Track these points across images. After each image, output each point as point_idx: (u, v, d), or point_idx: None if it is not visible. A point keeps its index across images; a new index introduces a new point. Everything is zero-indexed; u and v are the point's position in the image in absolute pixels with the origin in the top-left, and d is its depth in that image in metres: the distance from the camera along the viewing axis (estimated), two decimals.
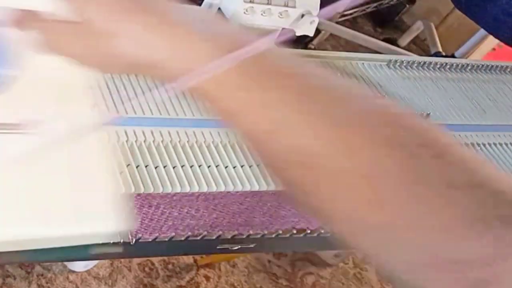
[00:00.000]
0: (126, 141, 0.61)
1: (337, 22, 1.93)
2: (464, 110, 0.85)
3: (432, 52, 1.99)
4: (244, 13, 0.71)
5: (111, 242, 0.55)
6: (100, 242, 0.50)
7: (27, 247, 0.44)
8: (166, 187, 0.59)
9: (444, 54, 1.98)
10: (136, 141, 0.61)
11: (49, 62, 0.43)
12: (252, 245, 0.71)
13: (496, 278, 0.32)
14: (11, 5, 0.42)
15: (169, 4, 0.41)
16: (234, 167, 0.64)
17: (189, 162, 0.62)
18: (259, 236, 0.70)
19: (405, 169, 0.35)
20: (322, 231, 0.72)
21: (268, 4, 0.72)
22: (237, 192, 0.63)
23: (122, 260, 1.38)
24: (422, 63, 0.89)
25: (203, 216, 0.65)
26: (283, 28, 0.74)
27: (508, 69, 0.95)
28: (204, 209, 0.64)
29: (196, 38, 0.38)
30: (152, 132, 0.62)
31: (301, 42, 1.80)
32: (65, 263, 1.33)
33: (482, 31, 1.86)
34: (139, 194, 0.58)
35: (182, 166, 0.61)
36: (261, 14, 0.72)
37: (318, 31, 1.89)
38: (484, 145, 0.81)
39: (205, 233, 0.66)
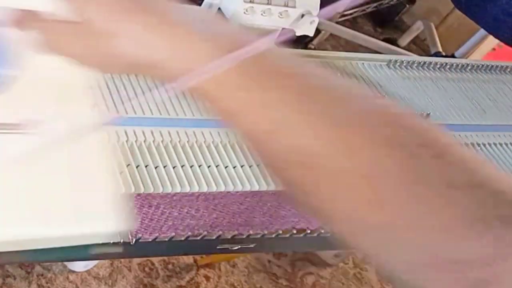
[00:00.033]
0: (126, 141, 0.61)
1: (337, 22, 1.93)
2: (464, 110, 0.85)
3: (432, 52, 1.99)
4: (244, 13, 0.71)
5: (111, 242, 0.55)
6: (100, 242, 0.50)
7: (27, 247, 0.44)
8: (166, 187, 0.59)
9: (444, 54, 1.98)
10: (136, 141, 0.61)
11: (49, 62, 0.43)
12: (252, 245, 0.71)
13: (496, 278, 0.32)
14: (11, 5, 0.42)
15: (169, 4, 0.41)
16: (234, 167, 0.64)
17: (189, 162, 0.62)
18: (259, 236, 0.70)
19: (405, 169, 0.35)
20: (322, 231, 0.72)
21: (268, 4, 0.72)
22: (237, 192, 0.63)
23: (122, 260, 1.38)
24: (422, 63, 0.89)
25: (203, 216, 0.65)
26: (283, 28, 0.74)
27: (508, 69, 0.95)
28: (204, 209, 0.64)
29: (196, 38, 0.38)
30: (152, 132, 0.62)
31: (301, 42, 1.80)
32: (65, 263, 1.33)
33: (482, 31, 1.86)
34: (139, 194, 0.58)
35: (182, 166, 0.61)
36: (261, 14, 0.72)
37: (318, 31, 1.89)
38: (484, 145, 0.81)
39: (205, 233, 0.66)
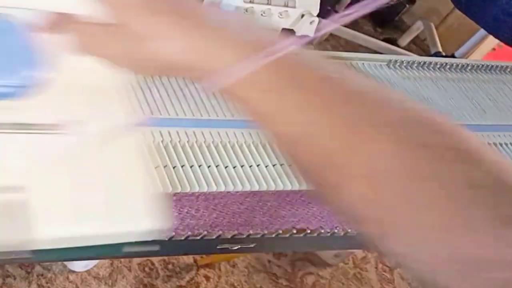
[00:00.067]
0: None
1: None
2: (464, 110, 0.85)
3: (432, 52, 1.99)
4: (244, 13, 0.71)
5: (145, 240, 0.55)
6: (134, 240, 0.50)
7: (65, 246, 0.44)
8: (166, 187, 0.59)
9: (444, 54, 1.98)
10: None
11: (84, 64, 0.43)
12: (252, 245, 0.71)
13: None
14: (46, 8, 0.43)
15: (202, 7, 0.42)
16: (234, 167, 0.64)
17: (189, 162, 0.62)
18: (259, 236, 0.70)
19: (434, 171, 0.35)
20: (322, 231, 0.72)
21: (268, 4, 0.72)
22: (237, 192, 0.63)
23: (122, 260, 1.38)
24: (422, 63, 0.89)
25: (203, 216, 0.65)
26: (283, 28, 0.74)
27: (508, 69, 0.95)
28: (204, 209, 0.64)
29: (228, 39, 0.39)
30: (152, 133, 0.62)
31: None
32: (65, 263, 1.33)
33: (482, 31, 1.86)
34: None
35: (182, 166, 0.61)
36: (261, 14, 0.72)
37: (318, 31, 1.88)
38: None
39: (205, 233, 0.66)
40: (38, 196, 0.43)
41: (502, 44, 1.65)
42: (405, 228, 0.36)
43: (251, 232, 0.69)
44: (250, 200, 0.66)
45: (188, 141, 0.64)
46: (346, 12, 0.37)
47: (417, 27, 2.18)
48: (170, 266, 1.42)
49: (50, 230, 0.43)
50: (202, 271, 1.44)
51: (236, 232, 0.68)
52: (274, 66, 0.37)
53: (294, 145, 0.39)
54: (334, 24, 0.38)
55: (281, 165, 0.65)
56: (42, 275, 1.30)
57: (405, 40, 2.21)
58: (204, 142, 0.64)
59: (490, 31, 1.59)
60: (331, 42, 2.07)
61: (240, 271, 1.47)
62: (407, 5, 2.23)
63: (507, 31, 1.47)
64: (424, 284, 0.37)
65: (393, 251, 0.38)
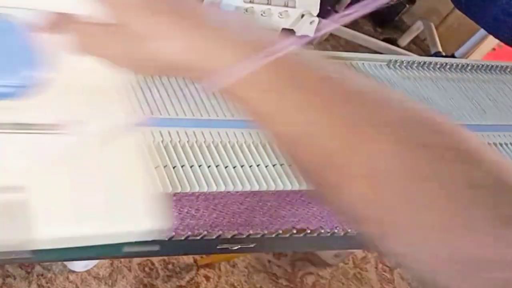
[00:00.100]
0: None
1: None
2: (464, 110, 0.85)
3: (432, 52, 1.99)
4: (244, 13, 0.71)
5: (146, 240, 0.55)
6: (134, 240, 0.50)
7: (65, 246, 0.44)
8: (166, 187, 0.59)
9: (444, 54, 1.98)
10: None
11: (84, 64, 0.43)
12: (252, 245, 0.71)
13: None
14: (46, 8, 0.43)
15: (202, 7, 0.42)
16: (234, 167, 0.64)
17: (189, 162, 0.62)
18: (259, 236, 0.70)
19: (434, 171, 0.35)
20: (322, 231, 0.72)
21: (268, 4, 0.72)
22: (237, 192, 0.63)
23: (122, 260, 1.38)
24: (422, 63, 0.89)
25: (203, 216, 0.65)
26: (283, 28, 0.74)
27: (508, 69, 0.95)
28: (204, 209, 0.64)
29: (228, 39, 0.39)
30: (152, 133, 0.62)
31: None
32: (65, 263, 1.33)
33: (482, 31, 1.86)
34: None
35: (182, 166, 0.61)
36: (261, 14, 0.72)
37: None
38: None
39: (205, 233, 0.66)
40: (38, 196, 0.43)
41: (502, 44, 1.65)
42: (405, 228, 0.36)
43: (251, 232, 0.69)
44: (250, 200, 0.66)
45: (188, 141, 0.64)
46: (346, 12, 0.37)
47: (417, 27, 2.18)
48: (170, 266, 1.42)
49: (50, 230, 0.43)
50: (202, 271, 1.44)
51: (236, 232, 0.68)
52: (274, 66, 0.37)
53: (294, 145, 0.39)
54: (334, 24, 0.38)
55: (281, 165, 0.65)
56: (42, 275, 1.30)
57: (405, 40, 2.21)
58: (204, 142, 0.64)
59: (490, 31, 1.59)
60: (331, 42, 2.07)
61: (240, 271, 1.47)
62: (407, 5, 2.23)
63: (507, 31, 1.47)
64: (425, 284, 0.37)
65: (393, 251, 0.38)
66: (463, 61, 0.93)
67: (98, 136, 0.46)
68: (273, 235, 0.71)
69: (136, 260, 1.39)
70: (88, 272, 1.35)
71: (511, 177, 0.35)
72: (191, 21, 0.40)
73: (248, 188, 0.63)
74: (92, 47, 0.42)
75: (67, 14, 0.42)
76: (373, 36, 2.05)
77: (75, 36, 0.42)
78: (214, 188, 0.61)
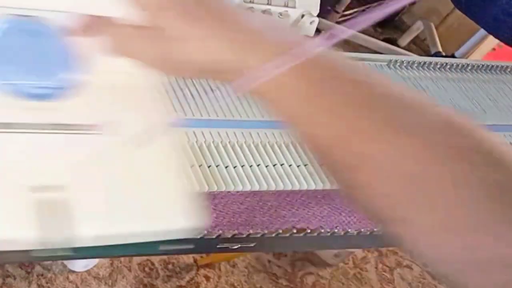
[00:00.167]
0: None
1: (337, 22, 1.93)
2: (464, 110, 0.85)
3: (432, 52, 1.99)
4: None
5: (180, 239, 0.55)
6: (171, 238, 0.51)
7: (102, 244, 0.45)
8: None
9: (444, 54, 1.98)
10: None
11: (119, 66, 0.44)
12: (252, 245, 0.71)
13: None
14: (81, 11, 0.44)
15: (233, 10, 0.42)
16: (234, 167, 0.64)
17: (189, 162, 0.62)
18: (259, 235, 0.70)
19: (466, 175, 0.35)
20: (322, 231, 0.72)
21: (268, 4, 0.72)
22: (237, 192, 0.63)
23: (122, 260, 1.38)
24: (422, 63, 0.89)
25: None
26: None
27: (508, 69, 0.95)
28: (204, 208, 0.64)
29: (260, 41, 0.39)
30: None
31: None
32: (65, 263, 1.33)
33: (482, 31, 1.86)
34: None
35: None
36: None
37: (318, 31, 1.88)
38: None
39: (205, 232, 0.66)
40: (78, 195, 0.43)
41: (502, 44, 1.65)
42: (432, 230, 0.36)
43: (251, 231, 0.69)
44: (250, 200, 0.66)
45: (188, 141, 0.64)
46: (365, 15, 0.37)
47: (417, 27, 2.18)
48: (170, 266, 1.42)
49: (89, 228, 0.43)
50: (202, 271, 1.44)
51: (236, 231, 0.68)
52: (304, 67, 0.38)
53: (326, 147, 0.39)
54: (352, 29, 0.39)
55: (281, 165, 0.65)
56: (42, 275, 1.31)
57: (405, 40, 2.21)
58: (205, 142, 0.64)
59: (490, 31, 1.59)
60: None
61: (240, 271, 1.47)
62: (407, 5, 2.23)
63: (507, 31, 1.47)
64: (454, 286, 0.37)
65: (420, 252, 0.38)
66: (463, 61, 0.93)
67: (133, 136, 0.46)
68: (273, 235, 0.71)
69: (136, 260, 1.39)
70: (88, 272, 1.35)
71: None
72: (224, 23, 0.40)
73: (248, 188, 0.63)
74: (127, 50, 0.42)
75: (101, 16, 0.43)
76: (373, 36, 2.04)
77: (110, 38, 0.42)
78: (214, 188, 0.61)
